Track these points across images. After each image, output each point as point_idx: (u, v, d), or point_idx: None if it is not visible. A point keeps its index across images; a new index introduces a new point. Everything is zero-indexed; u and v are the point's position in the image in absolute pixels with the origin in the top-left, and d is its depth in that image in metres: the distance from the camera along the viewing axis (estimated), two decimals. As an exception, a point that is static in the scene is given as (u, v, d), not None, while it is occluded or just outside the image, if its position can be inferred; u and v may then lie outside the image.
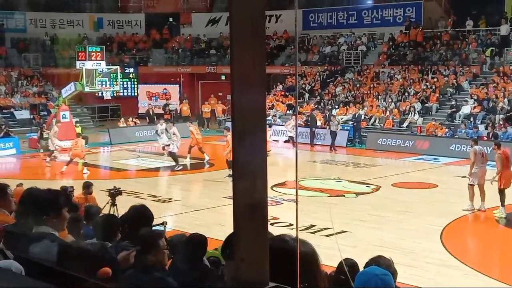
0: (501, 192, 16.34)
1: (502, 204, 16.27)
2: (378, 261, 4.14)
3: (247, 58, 1.56)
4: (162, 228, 10.54)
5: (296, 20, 15.57)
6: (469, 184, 16.91)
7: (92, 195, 13.17)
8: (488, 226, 16.26)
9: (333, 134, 29.29)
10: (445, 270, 12.22)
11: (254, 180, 1.53)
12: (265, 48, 1.58)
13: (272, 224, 15.11)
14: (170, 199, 19.25)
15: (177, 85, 43.41)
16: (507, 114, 28.10)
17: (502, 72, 31.84)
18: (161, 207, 17.61)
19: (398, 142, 28.55)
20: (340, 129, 30.29)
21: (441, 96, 32.17)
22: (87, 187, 13.22)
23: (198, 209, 17.93)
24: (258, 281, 1.55)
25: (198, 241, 5.90)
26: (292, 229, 14.68)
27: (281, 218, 15.71)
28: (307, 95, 36.70)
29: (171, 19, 46.65)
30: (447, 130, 28.87)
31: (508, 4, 35.40)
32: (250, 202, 1.54)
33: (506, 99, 29.34)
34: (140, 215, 5.26)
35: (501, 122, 27.49)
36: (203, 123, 36.57)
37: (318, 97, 35.95)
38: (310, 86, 37.58)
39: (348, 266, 4.55)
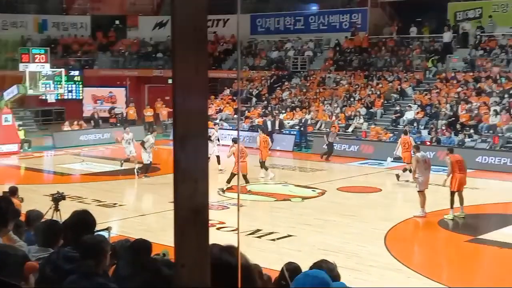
0: (453, 195, 16.73)
1: (451, 207, 16.65)
2: (321, 265, 4.17)
3: (190, 63, 1.55)
4: (106, 234, 10.42)
5: (238, 25, 15.61)
6: (418, 191, 17.18)
7: (16, 199, 12.73)
8: (430, 230, 16.58)
9: (330, 145, 27.62)
10: (389, 273, 12.41)
11: (196, 185, 1.52)
12: (207, 53, 1.58)
13: (218, 228, 15.09)
14: (115, 204, 19.01)
15: (123, 89, 42.96)
16: (449, 120, 28.74)
17: (444, 78, 32.58)
18: (106, 212, 17.38)
19: (344, 146, 28.89)
20: (288, 134, 30.48)
21: (385, 102, 32.70)
22: (13, 192, 12.70)
23: (143, 214, 17.78)
24: (199, 287, 1.54)
25: (142, 247, 5.85)
26: (237, 233, 14.68)
27: (228, 223, 15.71)
28: (254, 100, 36.81)
29: (117, 22, 46.15)
30: (391, 135, 29.36)
31: (451, 12, 36.26)
32: (192, 207, 1.54)
33: (448, 105, 30.00)
34: (83, 221, 5.17)
35: (443, 128, 28.10)
36: (148, 127, 36.18)
37: (266, 102, 36.10)
38: (257, 91, 37.71)
39: (290, 270, 4.57)
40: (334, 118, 32.27)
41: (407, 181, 20.49)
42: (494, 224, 16.61)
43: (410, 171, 19.50)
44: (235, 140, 22.59)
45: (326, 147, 27.40)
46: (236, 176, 19.80)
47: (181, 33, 1.55)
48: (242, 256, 1.93)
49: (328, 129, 28.77)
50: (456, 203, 16.80)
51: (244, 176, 20.59)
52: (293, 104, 34.84)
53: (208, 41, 1.49)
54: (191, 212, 1.53)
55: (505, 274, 12.73)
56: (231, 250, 1.94)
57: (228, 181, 20.05)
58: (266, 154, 23.06)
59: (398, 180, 21.60)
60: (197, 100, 1.55)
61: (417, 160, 17.26)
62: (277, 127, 31.85)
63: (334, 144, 27.68)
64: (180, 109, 1.52)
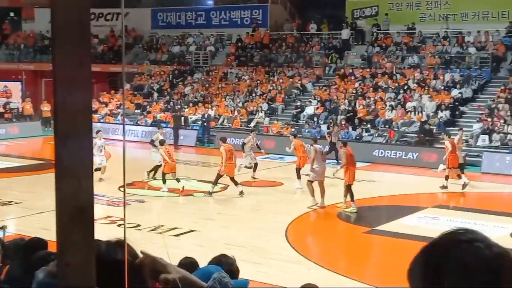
0: (349, 188, 17.18)
1: (352, 200, 17.10)
2: (220, 260, 4.19)
3: (73, 58, 1.52)
4: (1, 233, 10.05)
5: (123, 19, 15.41)
6: (308, 180, 17.62)
7: None
8: (329, 222, 16.99)
9: (333, 146, 25.10)
10: (290, 266, 12.61)
11: (79, 183, 1.49)
12: (91, 48, 1.55)
13: (119, 225, 14.87)
14: (10, 201, 18.35)
15: (19, 83, 41.44)
16: (348, 115, 29.51)
17: (343, 74, 33.40)
18: (1, 210, 16.76)
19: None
20: (191, 129, 30.38)
21: (286, 97, 33.18)
22: None
23: (41, 211, 17.25)
24: (84, 286, 1.51)
25: (37, 245, 5.68)
26: (139, 229, 14.54)
27: (128, 219, 15.49)
28: (156, 95, 36.47)
29: (12, 14, 44.50)
30: (292, 129, 29.80)
31: (349, 10, 37.21)
32: (76, 205, 1.50)
33: (346, 100, 30.80)
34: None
35: (342, 122, 28.81)
36: (45, 122, 35.09)
37: (168, 97, 35.84)
38: (159, 86, 37.38)
39: (186, 265, 4.57)
40: (236, 113, 32.45)
41: (308, 174, 20.70)
42: (390, 216, 17.19)
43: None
44: (223, 139, 20.75)
45: (328, 147, 24.85)
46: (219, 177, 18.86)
47: (64, 27, 1.51)
48: (131, 250, 1.91)
49: (330, 128, 26.44)
50: (340, 198, 17.36)
51: (232, 179, 19.10)
52: (195, 99, 34.75)
53: (91, 34, 1.47)
54: (75, 210, 1.50)
55: (399, 263, 13.16)
56: (119, 246, 1.91)
57: (215, 183, 19.05)
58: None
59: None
60: (81, 96, 1.51)
61: (315, 150, 17.72)
62: (183, 123, 31.71)
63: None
64: (62, 106, 1.48)
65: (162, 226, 15.37)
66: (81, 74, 1.51)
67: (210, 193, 18.98)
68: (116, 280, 1.76)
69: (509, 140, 25.23)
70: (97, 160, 19.48)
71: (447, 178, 19.97)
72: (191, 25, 41.45)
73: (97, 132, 21.63)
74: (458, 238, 1.63)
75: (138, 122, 33.50)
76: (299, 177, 19.89)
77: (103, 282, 1.59)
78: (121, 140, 29.88)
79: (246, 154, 21.92)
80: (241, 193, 18.70)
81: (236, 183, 18.96)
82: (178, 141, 30.26)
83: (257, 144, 22.58)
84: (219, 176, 19.01)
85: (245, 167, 21.50)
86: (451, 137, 20.99)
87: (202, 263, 5.53)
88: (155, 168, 20.98)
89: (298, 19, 38.70)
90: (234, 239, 14.42)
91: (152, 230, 14.80)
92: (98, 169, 19.50)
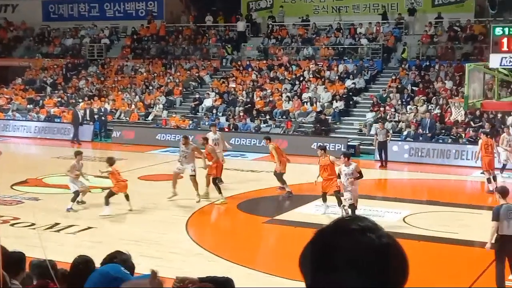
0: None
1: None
2: (115, 257, 4.09)
3: None
4: None
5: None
6: (191, 175, 17.47)
7: None
8: (230, 214, 17.05)
9: (382, 145, 23.50)
10: (190, 259, 12.56)
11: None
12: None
13: (12, 225, 14.36)
14: None
15: None
16: (246, 106, 29.69)
17: (240, 66, 33.57)
18: None
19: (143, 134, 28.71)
20: (87, 124, 29.61)
21: (184, 90, 33.00)
22: None
23: None
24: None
25: None
26: (34, 228, 14.07)
27: (22, 218, 15.00)
28: (49, 89, 35.37)
29: None
30: (190, 122, 29.73)
31: (244, 2, 37.40)
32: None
33: (244, 92, 30.98)
34: None
35: (241, 114, 28.97)
36: None
37: (62, 91, 34.83)
38: (52, 79, 36.26)
39: (81, 262, 4.45)
40: (133, 106, 31.97)
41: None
42: (289, 205, 17.44)
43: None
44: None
45: (375, 145, 23.93)
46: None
47: None
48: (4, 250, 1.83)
49: (377, 128, 24.52)
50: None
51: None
52: (90, 93, 33.96)
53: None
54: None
55: (296, 252, 13.41)
56: None
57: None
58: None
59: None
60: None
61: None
62: (87, 117, 30.75)
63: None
64: None
65: (58, 224, 14.92)
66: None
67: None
68: None
69: (401, 128, 26.17)
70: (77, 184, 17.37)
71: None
72: (85, 17, 40.45)
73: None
74: (348, 227, 1.64)
75: (29, 117, 32.39)
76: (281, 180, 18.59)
77: None
78: (13, 136, 28.83)
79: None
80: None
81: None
82: (78, 137, 29.28)
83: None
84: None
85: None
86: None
87: (100, 260, 5.41)
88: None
89: (194, 11, 38.51)
90: (133, 234, 14.23)
91: (48, 228, 14.37)
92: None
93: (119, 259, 4.01)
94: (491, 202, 18.87)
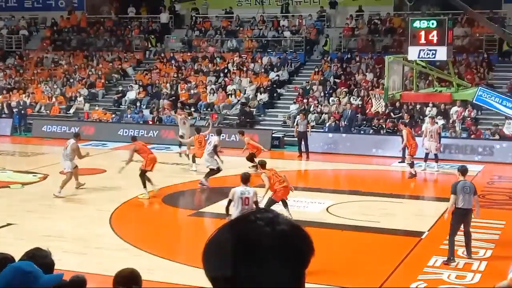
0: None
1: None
2: (34, 254, 4.00)
3: None
4: None
5: None
6: (68, 172, 17.36)
7: None
8: (155, 207, 16.96)
9: (303, 135, 23.69)
10: (116, 254, 12.42)
11: None
12: None
13: None
14: None
15: None
16: (170, 99, 29.47)
17: (164, 58, 33.29)
18: None
19: (64, 128, 28.04)
20: (5, 118, 28.74)
21: (107, 82, 32.48)
22: None
23: None
24: None
25: None
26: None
27: None
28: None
29: None
30: (113, 115, 29.30)
31: (167, -6, 37.07)
32: None
33: (168, 84, 30.75)
34: None
35: (165, 107, 28.73)
36: None
37: (-23, 84, 33.71)
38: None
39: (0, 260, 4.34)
40: (54, 99, 31.24)
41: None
42: (215, 198, 17.42)
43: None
44: (198, 131, 20.89)
45: (296, 135, 23.98)
46: None
47: None
48: None
49: (298, 119, 24.25)
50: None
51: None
52: (9, 86, 32.97)
53: None
54: None
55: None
56: None
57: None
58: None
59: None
60: None
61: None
62: (6, 111, 29.77)
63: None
64: None
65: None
66: None
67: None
68: None
69: (324, 120, 26.57)
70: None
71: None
72: (2, 8, 39.21)
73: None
74: (246, 218, 1.68)
75: None
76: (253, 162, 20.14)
77: None
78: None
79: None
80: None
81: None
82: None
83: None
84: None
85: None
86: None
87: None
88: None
89: (116, 2, 37.88)
90: (56, 230, 13.98)
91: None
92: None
93: (38, 255, 3.93)
94: (411, 191, 19.56)
